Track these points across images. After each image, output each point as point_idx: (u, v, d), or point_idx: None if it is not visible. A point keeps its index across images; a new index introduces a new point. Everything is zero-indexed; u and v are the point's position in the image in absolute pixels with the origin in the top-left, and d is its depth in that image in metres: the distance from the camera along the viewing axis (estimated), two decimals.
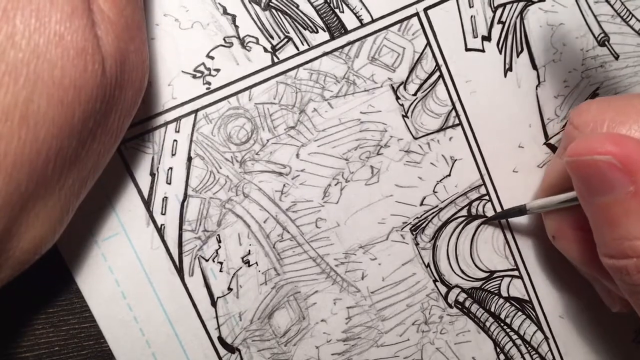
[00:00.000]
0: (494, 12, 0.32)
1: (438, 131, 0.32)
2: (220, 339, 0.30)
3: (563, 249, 0.30)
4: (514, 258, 0.33)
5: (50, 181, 0.22)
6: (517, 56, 0.33)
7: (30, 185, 0.21)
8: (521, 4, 0.32)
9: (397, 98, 0.31)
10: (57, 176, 0.22)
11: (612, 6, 0.33)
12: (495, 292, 0.33)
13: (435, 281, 0.33)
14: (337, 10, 0.31)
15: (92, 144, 0.23)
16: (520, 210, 0.31)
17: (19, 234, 0.22)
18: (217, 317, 0.30)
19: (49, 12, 0.21)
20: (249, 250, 0.30)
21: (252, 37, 0.30)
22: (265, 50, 0.30)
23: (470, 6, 0.32)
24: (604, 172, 0.23)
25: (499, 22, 0.32)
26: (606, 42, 0.33)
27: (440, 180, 0.32)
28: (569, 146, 0.25)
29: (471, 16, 0.32)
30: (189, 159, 0.30)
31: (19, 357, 0.29)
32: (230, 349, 0.30)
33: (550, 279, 0.34)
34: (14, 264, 0.23)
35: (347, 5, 0.31)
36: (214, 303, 0.30)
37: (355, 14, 0.31)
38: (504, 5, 0.32)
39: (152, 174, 0.29)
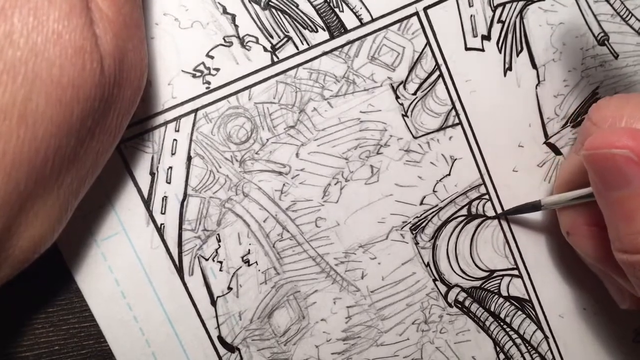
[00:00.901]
0: (494, 11, 0.32)
1: (438, 130, 0.32)
2: (220, 338, 0.30)
3: (577, 245, 0.30)
4: (513, 257, 0.33)
5: (49, 180, 0.22)
6: (517, 55, 0.33)
7: (29, 184, 0.21)
8: (521, 3, 0.32)
9: (397, 97, 0.31)
10: (56, 175, 0.22)
11: (611, 5, 0.33)
12: (495, 291, 0.33)
13: (435, 280, 0.33)
14: (336, 10, 0.31)
15: (90, 143, 0.23)
16: (534, 206, 0.31)
17: (18, 233, 0.22)
18: (216, 317, 0.30)
19: (47, 10, 0.21)
20: (249, 250, 0.30)
21: (252, 36, 0.30)
22: (265, 49, 0.30)
23: (470, 5, 0.32)
24: (621, 166, 0.24)
25: (499, 21, 0.32)
26: (606, 42, 0.33)
27: (440, 180, 0.32)
28: (587, 140, 0.25)
29: (471, 15, 0.32)
30: (189, 158, 0.30)
31: (19, 357, 0.29)
32: (230, 348, 0.30)
33: (550, 278, 0.34)
34: (13, 262, 0.23)
35: (347, 5, 0.31)
36: (213, 302, 0.30)
37: (355, 13, 0.31)
38: (503, 4, 0.32)
39: (152, 173, 0.29)
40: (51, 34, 0.21)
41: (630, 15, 0.33)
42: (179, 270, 0.30)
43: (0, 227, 0.21)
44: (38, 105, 0.21)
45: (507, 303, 0.33)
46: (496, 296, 0.33)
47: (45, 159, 0.21)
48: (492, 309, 0.33)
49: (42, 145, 0.21)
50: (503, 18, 0.32)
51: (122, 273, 0.29)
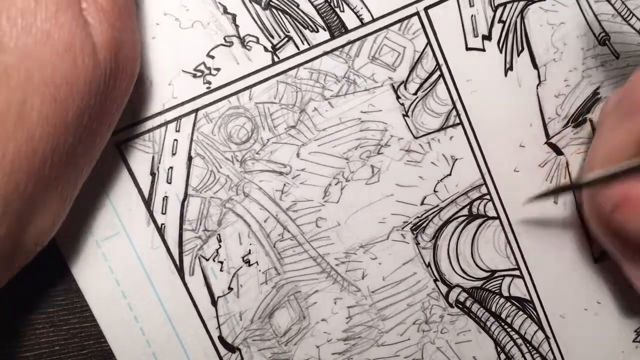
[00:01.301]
0: (495, 11, 0.32)
1: (438, 130, 0.32)
2: (220, 338, 0.30)
3: (627, 219, 0.28)
4: (515, 257, 0.33)
5: (49, 178, 0.22)
6: (518, 55, 0.33)
7: (29, 184, 0.21)
8: (522, 3, 0.32)
9: (398, 97, 0.31)
10: (55, 172, 0.23)
11: (612, 5, 0.33)
12: (496, 291, 0.33)
13: (436, 280, 0.33)
14: (337, 10, 0.31)
15: (88, 137, 0.24)
16: (576, 185, 0.30)
17: (21, 232, 0.23)
18: (217, 317, 0.30)
19: (34, 10, 0.20)
20: (250, 250, 0.30)
21: (253, 36, 0.30)
22: (266, 49, 0.30)
23: (471, 5, 0.32)
24: None
25: (500, 21, 0.32)
26: (607, 41, 0.33)
27: (440, 180, 0.32)
28: None
29: (471, 15, 0.32)
30: (190, 158, 0.30)
31: (19, 357, 0.29)
32: (231, 348, 0.30)
33: (551, 279, 0.34)
34: (19, 260, 0.23)
35: (348, 5, 0.31)
36: (214, 302, 0.30)
37: (355, 13, 0.31)
38: (504, 4, 0.32)
39: (153, 174, 0.29)
40: (40, 35, 0.21)
41: (631, 15, 0.33)
42: (180, 270, 0.30)
43: (5, 229, 0.21)
44: (33, 106, 0.20)
45: (508, 303, 0.33)
46: (497, 296, 0.33)
47: (44, 159, 0.21)
48: (493, 309, 0.33)
49: (40, 146, 0.21)
50: (504, 18, 0.32)
51: (122, 273, 0.29)
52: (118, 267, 0.29)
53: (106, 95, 0.23)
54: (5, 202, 0.21)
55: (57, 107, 0.21)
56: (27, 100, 0.20)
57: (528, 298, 0.33)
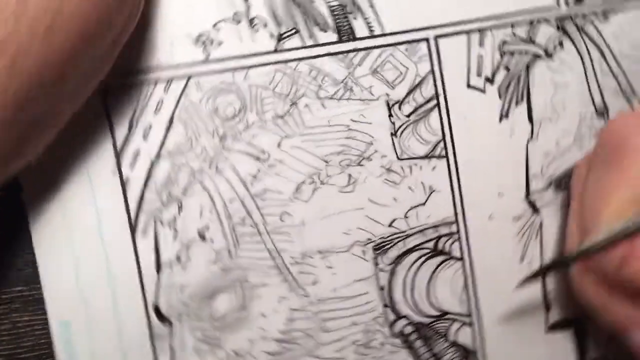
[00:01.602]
0: (502, 57, 0.33)
1: (423, 158, 0.32)
2: (155, 307, 0.29)
3: (637, 271, 0.26)
4: (469, 304, 0.33)
5: (60, 92, 0.23)
6: (516, 105, 0.33)
7: (42, 95, 0.22)
8: (530, 56, 0.33)
9: (390, 115, 0.31)
10: (67, 87, 0.23)
11: (616, 80, 0.34)
12: (443, 333, 0.32)
13: (385, 306, 0.32)
14: (350, 16, 0.31)
15: (108, 58, 0.25)
16: (578, 254, 0.28)
17: (20, 145, 0.23)
18: (158, 284, 0.29)
19: None
20: (208, 226, 0.30)
21: (261, 19, 0.30)
22: (272, 35, 0.30)
23: (480, 45, 0.32)
24: None
25: (505, 67, 0.33)
26: (605, 115, 0.34)
27: (414, 207, 0.32)
28: None
29: (479, 55, 0.32)
30: (171, 120, 0.29)
31: (19, 357, 0.28)
32: (164, 319, 0.29)
33: (501, 333, 0.33)
34: (9, 172, 0.24)
35: (362, 14, 0.31)
36: (159, 270, 0.29)
37: (367, 24, 0.31)
38: (513, 53, 0.33)
39: (130, 126, 0.29)
40: None
41: (632, 94, 0.34)
42: (133, 229, 0.29)
43: (4, 134, 0.21)
44: (70, 16, 0.21)
45: (452, 349, 0.33)
46: (442, 339, 0.32)
47: (61, 71, 0.22)
48: (435, 351, 0.32)
49: (61, 57, 0.21)
50: (510, 66, 0.33)
51: (76, 220, 0.28)
52: (73, 212, 0.28)
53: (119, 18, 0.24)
54: (15, 110, 0.21)
55: (84, 19, 0.22)
56: (64, 9, 0.21)
57: (473, 348, 0.33)
